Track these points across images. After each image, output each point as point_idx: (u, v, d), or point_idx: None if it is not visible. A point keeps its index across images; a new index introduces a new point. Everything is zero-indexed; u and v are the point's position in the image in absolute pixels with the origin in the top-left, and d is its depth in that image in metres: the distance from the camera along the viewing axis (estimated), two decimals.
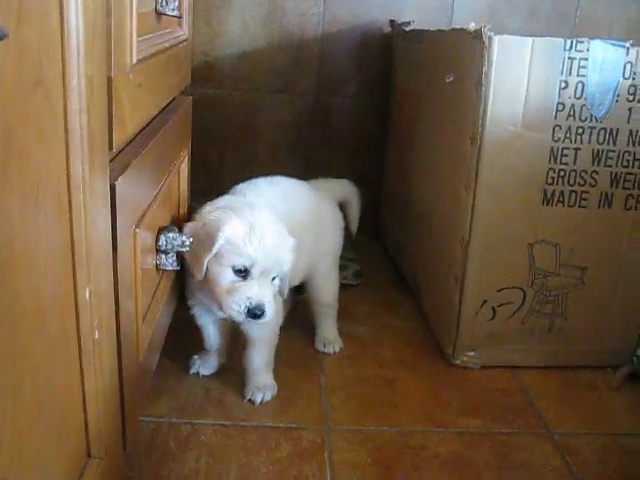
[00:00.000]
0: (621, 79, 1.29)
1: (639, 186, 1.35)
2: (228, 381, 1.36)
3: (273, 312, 1.16)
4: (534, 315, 1.43)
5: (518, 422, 1.30)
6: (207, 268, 1.12)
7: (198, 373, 1.38)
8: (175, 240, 1.03)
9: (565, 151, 1.32)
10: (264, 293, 1.14)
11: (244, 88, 2.11)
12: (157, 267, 1.03)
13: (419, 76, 1.73)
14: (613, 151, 1.33)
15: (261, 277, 1.14)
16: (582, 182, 1.34)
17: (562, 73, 1.27)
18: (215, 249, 1.10)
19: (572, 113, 1.30)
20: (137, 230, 0.85)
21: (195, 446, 1.17)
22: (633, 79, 1.29)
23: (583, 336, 1.46)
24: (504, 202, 1.33)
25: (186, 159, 1.28)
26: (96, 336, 0.67)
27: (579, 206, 1.35)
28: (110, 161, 0.73)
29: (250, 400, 1.30)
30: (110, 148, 0.71)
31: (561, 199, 1.34)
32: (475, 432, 1.27)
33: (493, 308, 1.42)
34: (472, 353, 1.45)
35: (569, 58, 1.26)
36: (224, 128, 2.15)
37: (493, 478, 1.15)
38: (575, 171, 1.33)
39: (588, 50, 1.26)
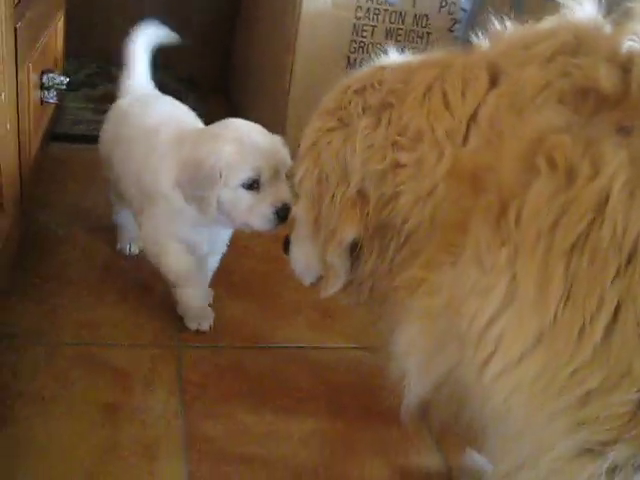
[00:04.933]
0: None
1: None
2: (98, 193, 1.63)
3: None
4: None
5: None
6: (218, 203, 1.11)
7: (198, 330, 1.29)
8: (55, 79, 1.36)
9: (365, 27, 1.71)
10: (281, 192, 1.12)
11: None
12: (42, 100, 1.36)
13: None
14: (402, 29, 1.74)
15: (273, 182, 1.11)
16: (378, 53, 1.74)
17: None
18: (220, 181, 1.09)
19: None
20: (29, 65, 1.17)
21: (71, 243, 1.49)
22: None
23: None
24: (316, 65, 1.71)
25: (62, 20, 1.58)
26: (8, 127, 1.01)
27: None
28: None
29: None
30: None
31: (361, 65, 1.74)
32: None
33: None
34: None
35: None
36: None
37: None
38: (372, 43, 1.74)
39: None
